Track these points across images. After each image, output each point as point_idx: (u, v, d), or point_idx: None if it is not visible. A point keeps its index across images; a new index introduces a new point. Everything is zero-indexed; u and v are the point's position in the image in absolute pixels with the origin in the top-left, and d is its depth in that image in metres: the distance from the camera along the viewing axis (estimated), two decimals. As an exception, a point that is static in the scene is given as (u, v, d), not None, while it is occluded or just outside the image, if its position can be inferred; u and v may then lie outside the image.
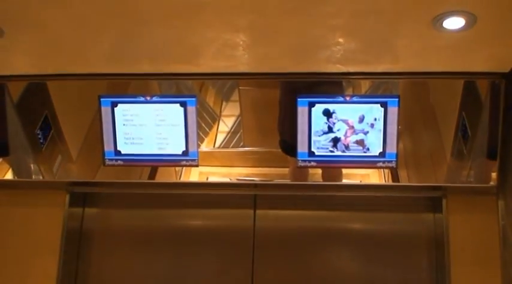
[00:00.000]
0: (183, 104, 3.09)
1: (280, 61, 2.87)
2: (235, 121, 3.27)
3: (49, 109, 3.28)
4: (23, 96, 3.29)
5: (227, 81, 3.19)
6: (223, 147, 3.29)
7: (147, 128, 3.15)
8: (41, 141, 3.30)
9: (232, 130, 3.27)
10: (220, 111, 3.26)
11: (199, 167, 3.22)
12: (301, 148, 3.07)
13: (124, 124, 3.16)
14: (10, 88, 3.27)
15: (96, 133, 3.22)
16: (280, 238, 3.45)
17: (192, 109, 3.10)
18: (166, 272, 3.48)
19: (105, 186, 3.49)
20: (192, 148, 3.14)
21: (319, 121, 3.04)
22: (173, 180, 3.35)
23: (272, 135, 3.21)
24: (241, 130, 3.26)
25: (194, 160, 3.16)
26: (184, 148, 3.14)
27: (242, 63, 2.87)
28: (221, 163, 3.30)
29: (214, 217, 3.54)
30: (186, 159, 3.16)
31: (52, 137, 3.30)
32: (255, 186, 3.37)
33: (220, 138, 3.28)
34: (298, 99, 3.03)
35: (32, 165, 3.38)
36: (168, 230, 3.55)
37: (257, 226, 3.45)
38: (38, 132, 3.29)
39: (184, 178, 3.31)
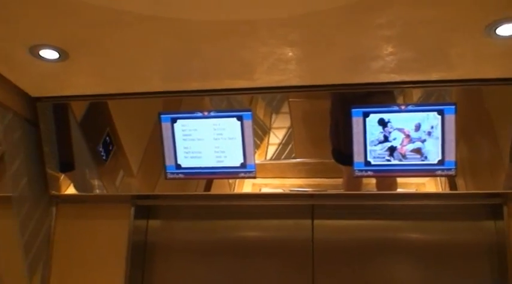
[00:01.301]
0: (240, 118, 3.16)
1: (333, 73, 2.90)
2: (286, 133, 3.29)
3: (110, 127, 3.40)
4: (86, 114, 3.42)
5: (277, 94, 3.22)
6: (274, 159, 3.32)
7: (206, 142, 3.23)
8: (104, 157, 3.43)
9: (283, 142, 3.29)
10: (271, 124, 3.30)
11: (252, 179, 3.28)
12: (357, 158, 3.08)
13: (183, 139, 3.24)
14: (73, 108, 3.41)
15: (154, 148, 3.32)
16: (339, 247, 3.44)
17: (248, 123, 3.15)
18: (227, 282, 3.53)
19: (167, 198, 3.58)
20: (249, 161, 3.20)
21: (374, 131, 3.05)
22: (227, 191, 3.40)
23: (323, 145, 3.21)
24: (293, 142, 3.27)
25: (252, 172, 3.22)
26: (242, 161, 3.20)
27: (295, 77, 2.92)
28: (273, 174, 3.33)
29: (272, 228, 3.57)
30: (244, 171, 3.22)
31: (114, 153, 3.42)
32: (312, 196, 3.40)
33: (272, 150, 3.31)
34: (353, 110, 3.05)
35: (96, 180, 3.51)
36: (228, 241, 3.60)
37: (315, 236, 3.46)
38: (101, 149, 3.42)
39: (237, 190, 3.36)
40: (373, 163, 3.08)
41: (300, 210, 3.50)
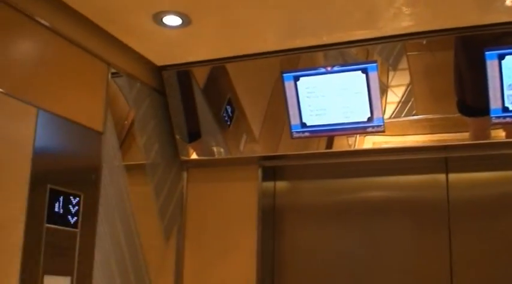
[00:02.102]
0: (365, 71, 3.06)
1: (464, 14, 2.72)
2: (405, 90, 3.14)
3: (231, 91, 3.44)
4: (208, 80, 3.47)
5: (394, 49, 3.07)
6: (394, 117, 3.18)
7: (330, 98, 3.17)
8: (227, 122, 3.47)
9: (402, 100, 3.14)
10: (388, 81, 3.16)
11: (373, 137, 3.19)
12: (494, 104, 2.87)
13: (307, 97, 3.20)
14: (196, 74, 3.47)
15: (274, 108, 3.31)
16: (476, 202, 3.27)
17: (374, 75, 3.05)
18: (358, 242, 3.48)
19: (292, 158, 3.56)
20: (377, 115, 3.10)
21: (511, 74, 2.84)
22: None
23: (446, 99, 3.03)
24: (413, 99, 3.12)
25: (380, 126, 3.12)
26: (369, 115, 3.11)
27: (424, 22, 2.77)
28: (394, 133, 3.20)
29: (404, 185, 3.45)
30: (372, 125, 3.12)
31: (236, 117, 3.45)
32: (445, 148, 3.23)
33: (390, 109, 3.17)
34: (486, 53, 2.84)
35: (221, 146, 3.56)
36: (356, 200, 3.54)
37: (450, 191, 3.31)
38: (224, 114, 3.46)
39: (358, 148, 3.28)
40: (511, 108, 2.87)
41: (433, 164, 3.36)
